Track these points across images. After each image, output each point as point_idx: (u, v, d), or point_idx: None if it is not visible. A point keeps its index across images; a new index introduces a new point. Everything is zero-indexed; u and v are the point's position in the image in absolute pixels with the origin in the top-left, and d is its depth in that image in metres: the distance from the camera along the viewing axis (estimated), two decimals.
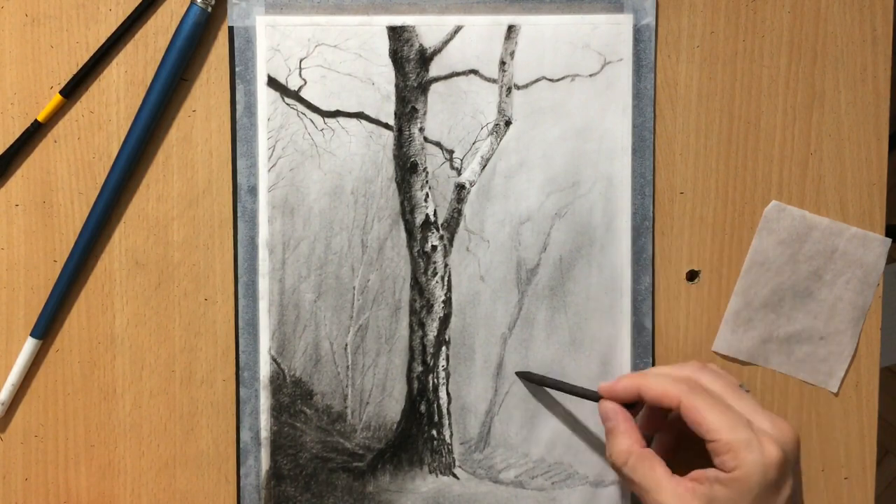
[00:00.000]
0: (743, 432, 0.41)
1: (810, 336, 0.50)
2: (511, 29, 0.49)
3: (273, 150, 0.48)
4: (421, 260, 0.50)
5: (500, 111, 0.49)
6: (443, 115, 0.49)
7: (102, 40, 0.48)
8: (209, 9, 0.47)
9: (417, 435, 0.50)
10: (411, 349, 0.50)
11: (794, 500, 0.42)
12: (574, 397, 0.49)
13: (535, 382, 0.50)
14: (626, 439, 0.44)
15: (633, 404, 0.46)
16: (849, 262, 0.50)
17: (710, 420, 0.41)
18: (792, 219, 0.49)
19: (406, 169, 0.49)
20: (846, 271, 0.50)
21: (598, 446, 0.50)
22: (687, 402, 0.42)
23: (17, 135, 0.48)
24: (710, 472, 0.41)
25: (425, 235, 0.49)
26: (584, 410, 0.50)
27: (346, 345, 0.49)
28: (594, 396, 0.47)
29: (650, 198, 0.50)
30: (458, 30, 0.49)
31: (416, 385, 0.50)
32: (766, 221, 0.49)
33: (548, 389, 0.50)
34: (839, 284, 0.50)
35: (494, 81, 0.49)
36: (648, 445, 0.45)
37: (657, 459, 0.43)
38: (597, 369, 0.50)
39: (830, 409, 0.52)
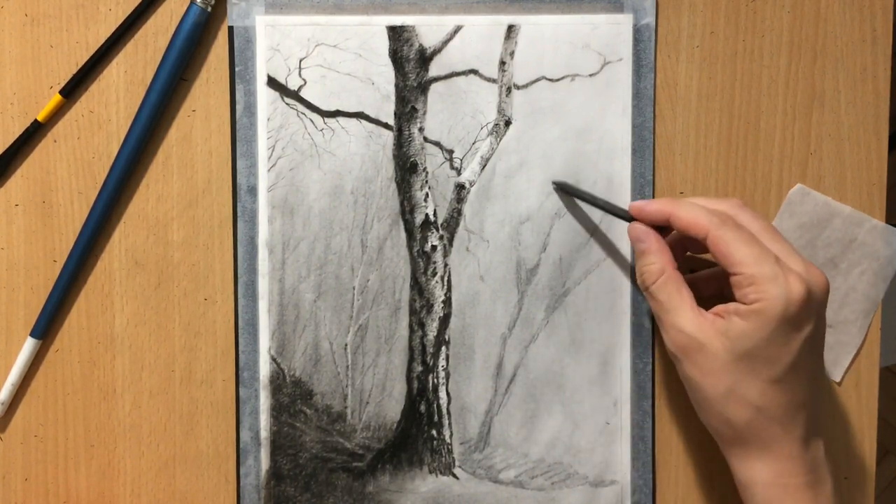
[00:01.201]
0: (768, 267, 0.39)
1: None
2: (511, 29, 0.49)
3: (273, 150, 0.48)
4: (421, 260, 0.50)
5: (500, 111, 0.49)
6: (442, 114, 0.49)
7: (102, 40, 0.48)
8: (209, 8, 0.47)
9: (417, 435, 0.50)
10: (411, 349, 0.50)
11: (814, 345, 0.41)
12: (576, 395, 0.49)
13: (570, 194, 0.49)
14: (659, 259, 0.43)
15: (662, 229, 0.45)
16: (866, 254, 0.50)
17: (737, 253, 0.40)
18: (815, 203, 0.49)
19: (406, 169, 0.49)
20: (862, 262, 0.50)
21: (598, 446, 0.50)
22: (715, 233, 0.41)
23: (17, 134, 0.48)
24: (732, 304, 0.41)
25: (425, 235, 0.49)
26: (584, 410, 0.50)
27: (346, 345, 0.49)
28: (625, 216, 0.46)
29: (650, 198, 0.50)
30: (457, 29, 0.49)
31: (415, 385, 0.50)
32: (789, 204, 0.49)
33: (578, 202, 0.49)
34: (854, 275, 0.50)
35: (494, 81, 0.49)
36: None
37: (686, 286, 0.43)
38: (596, 369, 0.50)
39: (830, 409, 0.52)
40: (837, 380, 0.51)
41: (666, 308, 0.42)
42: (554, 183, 0.49)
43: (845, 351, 0.51)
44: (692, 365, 0.41)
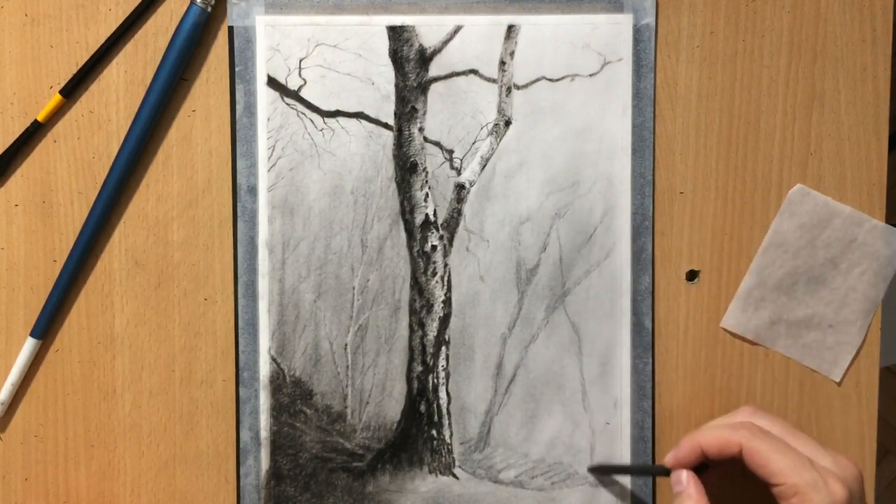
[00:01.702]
0: (808, 474, 0.40)
1: (819, 323, 0.50)
2: (511, 29, 0.49)
3: (273, 150, 0.48)
4: (421, 260, 0.50)
5: (500, 111, 0.49)
6: (442, 114, 0.49)
7: (102, 40, 0.48)
8: (209, 9, 0.47)
9: (417, 435, 0.50)
10: (411, 349, 0.50)
11: None
12: (576, 395, 0.49)
13: (607, 473, 0.50)
14: (693, 502, 0.44)
15: (702, 466, 0.45)
16: (866, 254, 0.50)
17: (775, 463, 0.41)
18: (815, 203, 0.49)
19: (406, 169, 0.49)
20: (862, 262, 0.50)
21: (598, 446, 0.50)
22: (749, 446, 0.42)
23: (17, 134, 0.48)
24: None
25: (425, 235, 0.49)
26: (584, 410, 0.50)
27: (346, 345, 0.49)
28: (664, 472, 0.46)
29: (650, 198, 0.50)
30: (457, 30, 0.49)
31: (415, 385, 0.50)
32: (789, 204, 0.49)
33: (616, 477, 0.50)
34: (854, 274, 0.50)
35: (494, 81, 0.49)
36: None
37: None
38: (596, 369, 0.50)
39: (831, 409, 0.52)
40: (837, 380, 0.51)
41: None
42: (589, 469, 0.50)
43: (845, 351, 0.51)
44: None
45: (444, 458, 0.50)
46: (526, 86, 0.49)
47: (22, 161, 0.48)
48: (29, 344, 0.48)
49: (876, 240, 0.50)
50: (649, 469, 0.50)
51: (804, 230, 0.49)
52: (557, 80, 0.49)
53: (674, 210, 0.50)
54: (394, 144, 0.49)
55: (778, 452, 0.41)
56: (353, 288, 0.49)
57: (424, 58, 0.49)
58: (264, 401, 0.49)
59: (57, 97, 0.47)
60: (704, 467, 0.45)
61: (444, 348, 0.50)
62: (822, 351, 0.51)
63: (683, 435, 0.51)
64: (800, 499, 0.40)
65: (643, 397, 0.50)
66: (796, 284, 0.50)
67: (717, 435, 0.43)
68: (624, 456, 0.50)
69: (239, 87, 0.48)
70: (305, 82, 0.48)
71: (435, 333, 0.50)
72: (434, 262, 0.50)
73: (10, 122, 0.48)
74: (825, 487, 0.40)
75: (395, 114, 0.49)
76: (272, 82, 0.48)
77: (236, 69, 0.48)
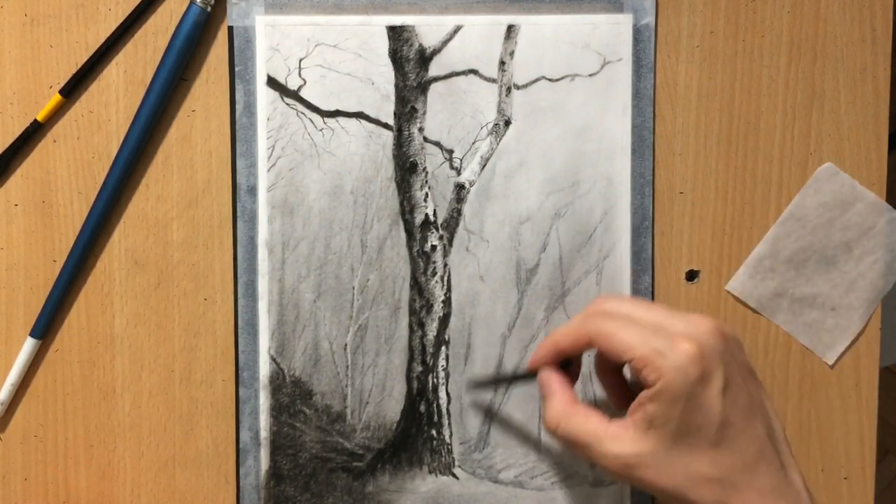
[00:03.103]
0: (654, 341, 0.38)
1: (823, 303, 0.50)
2: (511, 29, 0.49)
3: (272, 150, 0.48)
4: (420, 260, 0.50)
5: (500, 111, 0.49)
6: (442, 114, 0.49)
7: (102, 40, 0.48)
8: (209, 8, 0.47)
9: (417, 435, 0.50)
10: (411, 349, 0.50)
11: (735, 391, 0.38)
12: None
13: (483, 386, 0.50)
14: (554, 402, 0.42)
15: (568, 366, 0.44)
16: (881, 243, 0.50)
17: (619, 340, 0.39)
18: (841, 184, 0.49)
19: (405, 169, 0.49)
20: (877, 251, 0.50)
21: None
22: (596, 331, 0.40)
23: (17, 134, 0.48)
24: (641, 394, 0.39)
25: (425, 235, 0.49)
26: None
27: (346, 345, 0.49)
28: (532, 377, 0.45)
29: (650, 198, 0.50)
30: (457, 29, 0.49)
31: (415, 385, 0.50)
32: (816, 181, 0.49)
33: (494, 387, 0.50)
34: (866, 262, 0.50)
35: (494, 81, 0.49)
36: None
37: (591, 411, 0.41)
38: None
39: (831, 409, 0.52)
40: (830, 362, 0.51)
41: (584, 443, 0.40)
42: (468, 387, 0.50)
43: (843, 336, 0.51)
44: (641, 476, 0.39)
45: (443, 458, 0.50)
46: (526, 86, 0.49)
47: (22, 161, 0.48)
48: (28, 344, 0.48)
49: (894, 231, 0.50)
50: (518, 375, 0.48)
51: (825, 209, 0.49)
52: (557, 80, 0.49)
53: (674, 210, 0.50)
54: (393, 144, 0.49)
55: (622, 329, 0.39)
56: (353, 288, 0.49)
57: (424, 58, 0.49)
58: (264, 401, 0.49)
59: (57, 97, 0.47)
60: (568, 364, 0.44)
61: (443, 348, 0.50)
62: (821, 332, 0.51)
63: None
64: (651, 369, 0.38)
65: None
66: (807, 261, 0.50)
67: (568, 330, 0.42)
68: None
69: (239, 87, 0.48)
70: (305, 82, 0.48)
71: (435, 333, 0.50)
72: (434, 262, 0.50)
73: (9, 122, 0.48)
74: (672, 350, 0.37)
75: (394, 114, 0.49)
76: (272, 82, 0.48)
77: (236, 69, 0.48)
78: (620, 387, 0.45)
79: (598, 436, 0.39)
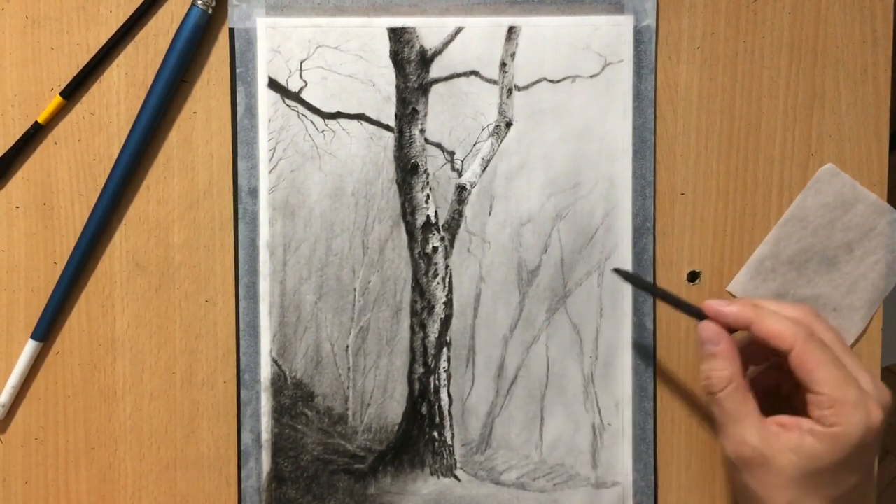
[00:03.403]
0: (852, 391, 0.39)
1: (824, 304, 0.50)
2: (512, 30, 0.49)
3: (274, 152, 0.48)
4: (422, 261, 0.50)
5: (501, 112, 0.49)
6: (443, 116, 0.49)
7: (103, 42, 0.48)
8: (210, 10, 0.47)
9: (418, 437, 0.50)
10: (412, 351, 0.50)
11: (874, 463, 0.41)
12: (577, 397, 0.49)
13: (635, 285, 0.48)
14: (730, 366, 0.42)
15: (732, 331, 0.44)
16: (883, 244, 0.50)
17: (822, 372, 0.40)
18: (842, 185, 0.49)
19: (407, 170, 0.49)
20: (878, 251, 0.50)
21: (599, 447, 0.50)
22: (801, 348, 0.41)
23: (18, 136, 0.48)
24: (805, 422, 0.40)
25: (426, 237, 0.49)
26: (586, 411, 0.50)
27: (348, 346, 0.49)
28: (698, 314, 0.44)
29: (651, 199, 0.50)
30: (458, 31, 0.49)
31: (417, 387, 0.50)
32: (817, 181, 0.49)
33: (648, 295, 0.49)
34: (867, 263, 0.50)
35: (495, 83, 0.49)
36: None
37: (751, 396, 0.42)
38: (598, 371, 0.50)
39: None
40: None
41: (733, 417, 0.41)
42: (615, 270, 0.49)
43: (845, 336, 0.51)
44: (753, 477, 0.41)
45: (445, 460, 0.50)
46: (527, 87, 0.49)
47: (23, 163, 0.48)
48: (29, 346, 0.48)
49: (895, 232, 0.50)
50: (683, 304, 0.46)
51: (827, 209, 0.49)
52: (558, 81, 0.49)
53: (675, 211, 0.50)
54: (395, 146, 0.49)
55: (828, 363, 0.40)
56: (355, 289, 0.49)
57: (425, 59, 0.49)
58: (265, 403, 0.49)
59: (58, 99, 0.47)
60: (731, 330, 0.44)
61: (445, 350, 0.50)
62: None
63: (685, 437, 0.51)
64: (835, 412, 0.39)
65: (645, 398, 0.50)
66: (809, 262, 0.50)
67: (776, 324, 0.42)
68: (626, 457, 0.50)
69: (240, 89, 0.48)
70: (306, 84, 0.48)
71: (436, 335, 0.50)
72: (435, 264, 0.50)
73: (10, 124, 0.48)
74: (865, 408, 0.39)
75: (395, 115, 0.49)
76: (273, 84, 0.48)
77: (237, 71, 0.48)
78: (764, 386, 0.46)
79: (750, 420, 0.41)
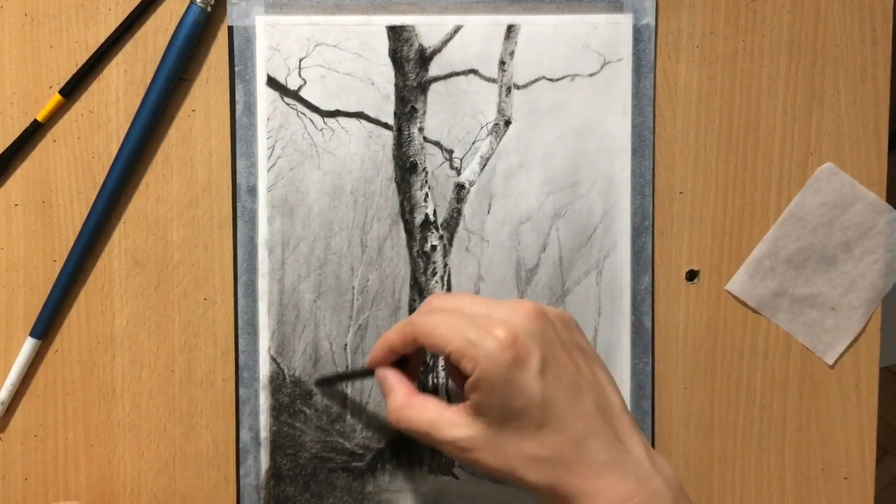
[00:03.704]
0: (470, 332, 0.38)
1: (823, 303, 0.50)
2: (511, 29, 0.49)
3: (272, 150, 0.48)
4: (420, 260, 0.50)
5: (500, 111, 0.49)
6: (442, 114, 0.49)
7: (102, 40, 0.48)
8: (209, 8, 0.47)
9: None
10: None
11: (554, 370, 0.38)
12: None
13: (328, 384, 0.49)
14: (393, 396, 0.42)
15: (403, 361, 0.44)
16: (881, 243, 0.50)
17: (440, 335, 0.39)
18: (842, 184, 0.49)
19: (406, 169, 0.49)
20: (877, 251, 0.50)
21: None
22: (417, 330, 0.40)
23: (17, 134, 0.48)
24: (466, 383, 0.39)
25: (425, 235, 0.49)
26: None
27: (346, 344, 0.49)
28: (370, 374, 0.45)
29: (650, 198, 0.50)
30: (457, 29, 0.49)
31: (415, 385, 0.50)
32: (816, 180, 0.49)
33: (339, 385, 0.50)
34: (866, 262, 0.50)
35: (494, 81, 0.49)
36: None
37: (428, 399, 0.41)
38: None
39: (830, 410, 0.52)
40: (830, 363, 0.51)
41: (423, 431, 0.40)
42: (315, 383, 0.49)
43: (843, 336, 0.51)
44: (477, 458, 0.39)
45: (443, 458, 0.50)
46: (526, 86, 0.49)
47: (22, 161, 0.48)
48: (28, 344, 0.48)
49: (894, 231, 0.50)
50: (357, 373, 0.49)
51: (826, 208, 0.49)
52: (557, 79, 0.49)
53: (674, 210, 0.50)
54: (393, 144, 0.49)
55: (442, 325, 0.39)
56: (353, 288, 0.49)
57: (424, 58, 0.49)
58: (264, 401, 0.49)
59: (57, 97, 0.47)
60: (405, 361, 0.44)
61: None
62: (821, 332, 0.51)
63: (683, 435, 0.51)
64: (467, 360, 0.38)
65: (643, 397, 0.50)
66: (808, 261, 0.50)
67: (397, 329, 0.42)
68: None
69: (239, 87, 0.48)
70: (305, 82, 0.48)
71: None
72: (434, 262, 0.50)
73: (9, 122, 0.48)
74: (485, 338, 0.38)
75: (394, 114, 0.49)
76: (272, 82, 0.48)
77: (236, 69, 0.48)
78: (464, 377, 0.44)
79: (435, 423, 0.40)
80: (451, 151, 0.49)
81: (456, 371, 0.44)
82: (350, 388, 0.50)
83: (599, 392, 0.40)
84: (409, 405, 0.41)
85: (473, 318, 0.39)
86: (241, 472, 0.49)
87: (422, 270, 0.50)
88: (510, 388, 0.37)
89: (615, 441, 0.39)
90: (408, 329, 0.41)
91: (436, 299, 0.42)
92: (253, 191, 0.49)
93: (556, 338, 0.39)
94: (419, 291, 0.50)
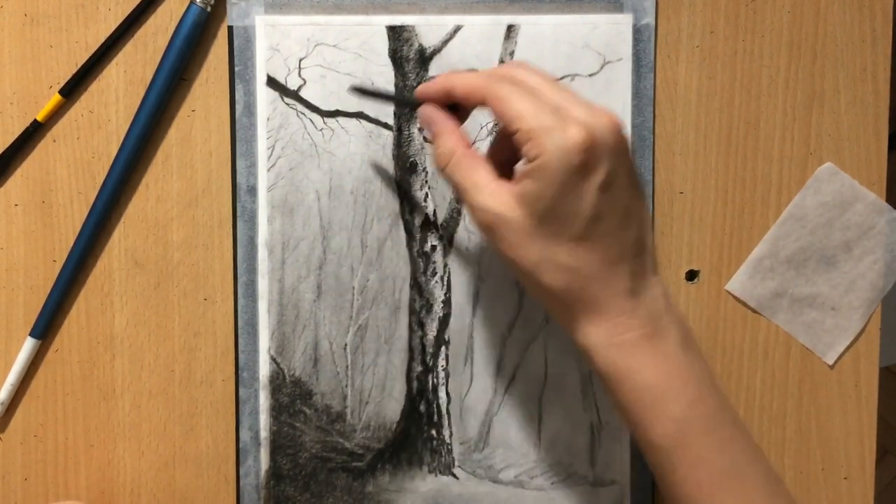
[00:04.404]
0: (547, 118, 0.36)
1: (823, 303, 0.50)
2: (510, 29, 0.49)
3: (272, 150, 0.48)
4: (420, 260, 0.50)
5: None
6: None
7: (102, 40, 0.48)
8: (208, 8, 0.47)
9: (417, 435, 0.50)
10: (411, 349, 0.50)
11: (614, 192, 0.37)
12: (575, 395, 0.49)
13: (366, 94, 0.48)
14: (449, 140, 0.40)
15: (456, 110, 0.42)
16: (881, 243, 0.50)
17: (514, 108, 0.37)
18: (842, 184, 0.49)
19: (406, 169, 0.49)
20: (876, 251, 0.50)
21: (597, 445, 0.50)
22: (491, 90, 0.38)
23: (17, 134, 0.48)
24: (520, 166, 0.38)
25: (425, 235, 0.49)
26: (585, 410, 0.50)
27: (346, 344, 0.49)
28: (414, 102, 0.43)
29: (650, 198, 0.50)
30: (457, 29, 0.49)
31: (415, 385, 0.50)
32: (816, 180, 0.49)
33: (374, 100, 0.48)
34: (866, 262, 0.50)
35: None
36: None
37: (481, 161, 0.40)
38: None
39: (830, 410, 0.52)
40: (830, 363, 0.51)
41: (463, 188, 0.39)
42: (351, 87, 0.48)
43: (843, 335, 0.51)
44: (500, 241, 0.38)
45: (443, 458, 0.50)
46: None
47: (21, 161, 0.48)
48: (28, 344, 0.48)
49: (894, 231, 0.50)
50: (402, 98, 0.48)
51: (825, 209, 0.49)
52: (557, 79, 0.49)
53: (673, 210, 0.50)
54: (393, 144, 0.49)
55: (520, 98, 0.37)
56: (353, 288, 0.49)
57: (424, 58, 0.49)
58: (264, 401, 0.49)
59: (56, 97, 0.47)
60: (455, 108, 0.42)
61: (443, 348, 0.50)
62: (821, 332, 0.51)
63: None
64: (534, 143, 0.36)
65: None
66: (807, 261, 0.50)
67: (468, 78, 0.40)
68: (624, 455, 0.50)
69: (238, 87, 0.48)
70: (305, 82, 0.48)
71: (435, 333, 0.50)
72: (434, 262, 0.50)
73: (9, 122, 0.48)
74: (560, 131, 0.36)
75: (394, 114, 0.49)
76: (272, 82, 0.48)
77: (236, 69, 0.48)
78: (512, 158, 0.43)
79: (479, 186, 0.39)
80: None
81: (503, 149, 0.42)
82: (350, 389, 0.50)
83: (641, 226, 0.39)
84: (466, 156, 0.40)
85: (552, 107, 0.37)
86: (241, 472, 0.49)
87: (422, 270, 0.50)
88: (567, 191, 0.36)
89: (641, 275, 0.39)
90: (480, 85, 0.39)
91: (519, 69, 0.40)
92: (253, 191, 0.49)
93: (626, 160, 0.38)
94: (419, 291, 0.50)
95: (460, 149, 0.40)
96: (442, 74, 0.41)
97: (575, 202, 0.37)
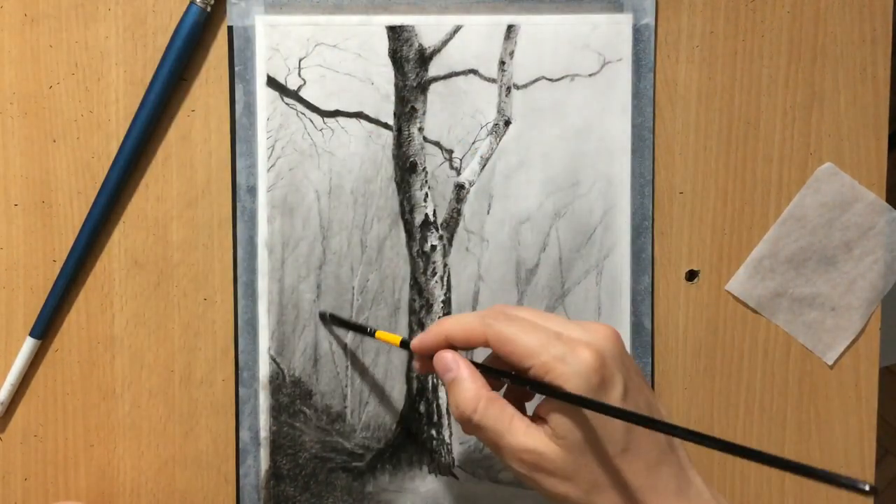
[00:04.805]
0: (555, 348, 0.37)
1: (823, 304, 0.50)
2: (510, 29, 0.49)
3: (272, 150, 0.48)
4: (420, 260, 0.50)
5: (500, 111, 0.49)
6: (442, 114, 0.49)
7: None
8: (208, 8, 0.47)
9: (417, 435, 0.50)
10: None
11: (634, 396, 0.38)
12: None
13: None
14: (472, 385, 0.39)
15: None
16: (881, 243, 0.50)
17: (522, 344, 0.38)
18: (841, 184, 0.49)
19: (405, 169, 0.49)
20: (876, 251, 0.50)
21: None
22: (493, 332, 0.39)
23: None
24: (543, 403, 0.38)
25: (424, 235, 0.49)
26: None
27: (346, 344, 0.49)
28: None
29: (650, 198, 0.50)
30: (457, 29, 0.49)
31: (415, 385, 0.50)
32: (816, 181, 0.49)
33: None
34: (866, 262, 0.50)
35: (494, 81, 0.49)
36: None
37: (505, 402, 0.39)
38: None
39: (830, 410, 0.52)
40: (830, 363, 0.51)
41: (498, 432, 0.38)
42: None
43: (843, 336, 0.51)
44: (547, 477, 0.38)
45: (443, 458, 0.50)
46: (525, 86, 0.49)
47: (21, 160, 0.48)
48: (28, 344, 0.48)
49: (894, 231, 0.50)
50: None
51: (825, 209, 0.49)
52: (557, 79, 0.49)
53: (673, 210, 0.50)
54: (393, 144, 0.49)
55: (524, 333, 0.38)
56: (353, 288, 0.49)
57: (424, 58, 0.49)
58: (264, 401, 0.49)
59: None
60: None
61: None
62: (821, 332, 0.51)
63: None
64: (552, 376, 0.37)
65: None
66: (807, 261, 0.50)
67: (463, 323, 0.40)
68: None
69: (238, 87, 0.48)
70: (305, 82, 0.48)
71: None
72: (433, 262, 0.50)
73: (9, 122, 0.48)
74: (573, 356, 0.37)
75: (394, 114, 0.49)
76: (272, 82, 0.48)
77: (236, 69, 0.48)
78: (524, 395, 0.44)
79: (514, 426, 0.38)
80: (450, 151, 0.49)
81: (512, 389, 0.42)
82: (350, 389, 0.50)
83: (663, 418, 0.40)
84: (492, 399, 0.39)
85: (553, 334, 0.38)
86: (241, 471, 0.49)
87: (421, 270, 0.50)
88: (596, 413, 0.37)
89: (681, 470, 0.39)
90: (479, 329, 0.39)
91: (507, 307, 0.41)
92: (253, 191, 0.49)
93: (631, 363, 0.39)
94: (419, 291, 0.50)
95: (485, 392, 0.40)
96: (433, 324, 0.42)
97: (605, 420, 0.37)
